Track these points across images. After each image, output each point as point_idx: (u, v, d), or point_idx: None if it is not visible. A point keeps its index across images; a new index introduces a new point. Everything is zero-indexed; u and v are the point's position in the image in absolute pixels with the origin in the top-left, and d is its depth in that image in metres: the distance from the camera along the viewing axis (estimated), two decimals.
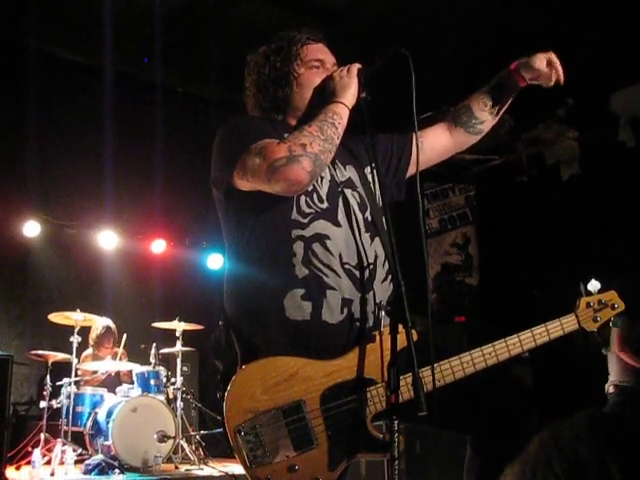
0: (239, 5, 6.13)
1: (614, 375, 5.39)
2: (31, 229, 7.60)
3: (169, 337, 7.26)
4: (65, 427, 6.35)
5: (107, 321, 7.31)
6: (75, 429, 6.51)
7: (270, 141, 2.15)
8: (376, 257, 2.27)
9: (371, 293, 2.20)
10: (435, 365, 2.12)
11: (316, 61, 2.40)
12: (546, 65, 2.37)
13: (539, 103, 7.53)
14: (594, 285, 2.39)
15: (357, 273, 2.21)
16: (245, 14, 6.18)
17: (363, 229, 2.28)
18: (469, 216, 9.11)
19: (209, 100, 7.79)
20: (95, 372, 6.97)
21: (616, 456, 1.04)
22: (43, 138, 7.41)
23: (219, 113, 7.75)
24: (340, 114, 2.22)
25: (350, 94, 2.25)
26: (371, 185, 2.43)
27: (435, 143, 2.53)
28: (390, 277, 2.26)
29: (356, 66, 2.29)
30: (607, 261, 6.75)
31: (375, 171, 2.43)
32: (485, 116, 2.54)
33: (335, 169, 2.36)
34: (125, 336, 7.12)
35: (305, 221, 2.22)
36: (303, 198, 2.24)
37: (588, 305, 2.32)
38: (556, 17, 6.13)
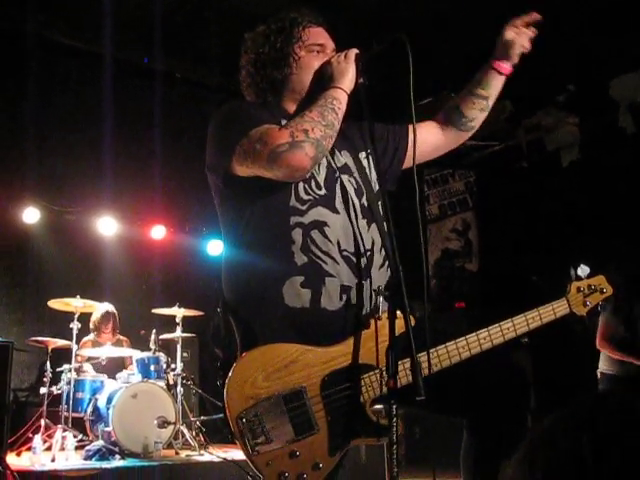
0: None
1: (601, 362, 5.43)
2: (30, 215, 7.60)
3: (169, 323, 7.27)
4: (65, 413, 6.37)
5: (108, 306, 7.33)
6: (75, 415, 6.53)
7: (271, 127, 2.15)
8: (373, 243, 2.27)
9: (369, 280, 2.21)
10: (432, 350, 2.14)
11: (317, 45, 2.39)
12: (514, 29, 2.41)
13: (539, 89, 7.54)
14: (584, 270, 2.43)
15: (355, 260, 2.21)
16: (245, 0, 6.15)
17: (360, 215, 2.28)
18: (469, 202, 9.10)
19: (209, 86, 7.76)
20: (95, 358, 6.97)
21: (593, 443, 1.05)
22: (42, 124, 7.40)
23: (219, 99, 7.73)
24: (339, 99, 2.21)
25: (348, 79, 2.24)
26: (366, 170, 2.42)
27: (428, 137, 2.51)
28: (387, 263, 2.27)
29: (354, 51, 2.28)
30: (605, 248, 6.75)
31: (371, 156, 2.43)
32: (474, 113, 2.52)
33: (332, 155, 2.35)
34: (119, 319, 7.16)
35: (303, 208, 2.21)
36: (301, 185, 2.23)
37: (578, 289, 2.36)
38: (554, 4, 6.10)
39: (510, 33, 2.39)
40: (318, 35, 2.41)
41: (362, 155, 2.46)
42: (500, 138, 8.58)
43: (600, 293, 2.36)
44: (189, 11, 6.44)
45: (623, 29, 6.41)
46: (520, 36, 2.39)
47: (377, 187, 2.39)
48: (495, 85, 2.48)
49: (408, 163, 2.50)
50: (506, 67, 2.45)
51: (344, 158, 2.39)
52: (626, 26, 6.37)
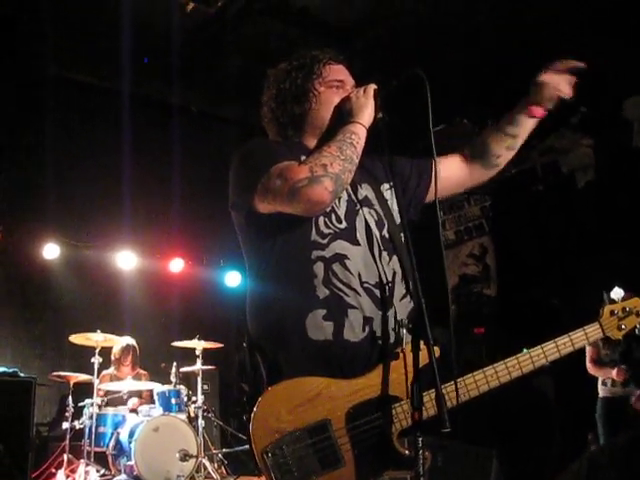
0: (250, 24, 6.18)
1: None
2: (51, 251, 7.68)
3: (189, 356, 7.28)
4: (88, 447, 6.38)
5: (128, 339, 7.36)
6: (98, 449, 6.53)
7: (291, 163, 2.17)
8: (394, 274, 2.29)
9: (391, 310, 2.22)
10: (459, 380, 2.13)
11: (337, 81, 2.43)
12: (554, 72, 2.39)
13: (552, 112, 7.55)
14: (617, 293, 2.41)
15: (377, 291, 2.22)
16: (259, 33, 6.23)
17: (381, 247, 2.30)
18: (485, 227, 9.08)
19: (226, 119, 7.84)
20: (116, 392, 6.99)
21: None
22: (61, 160, 7.49)
23: (236, 131, 7.82)
24: (358, 134, 2.23)
25: (367, 114, 2.27)
26: (388, 202, 2.44)
27: (452, 173, 2.53)
28: (409, 294, 2.28)
29: (372, 87, 2.30)
30: (626, 270, 6.72)
31: (393, 188, 2.44)
32: (501, 150, 2.54)
33: (352, 188, 2.37)
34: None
35: (324, 242, 2.23)
36: (322, 219, 2.25)
37: (612, 313, 2.29)
38: (569, 25, 6.14)
39: (546, 76, 2.39)
40: (338, 72, 2.45)
41: (384, 187, 2.48)
42: (514, 162, 8.56)
43: (636, 316, 2.29)
44: (206, 45, 6.52)
45: (635, 49, 6.43)
46: (559, 80, 2.39)
47: (399, 219, 2.40)
48: (525, 126, 2.50)
49: (430, 197, 2.53)
50: (538, 111, 2.46)
51: (365, 191, 2.41)
52: (638, 46, 6.39)
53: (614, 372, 5.28)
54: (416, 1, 5.86)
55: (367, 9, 5.94)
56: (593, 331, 2.26)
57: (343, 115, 2.32)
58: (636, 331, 2.31)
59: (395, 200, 2.43)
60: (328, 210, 2.26)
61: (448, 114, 7.20)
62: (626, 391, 5.20)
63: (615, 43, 6.35)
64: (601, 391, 5.29)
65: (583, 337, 2.24)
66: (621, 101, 7.44)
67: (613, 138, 7.65)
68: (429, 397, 2.01)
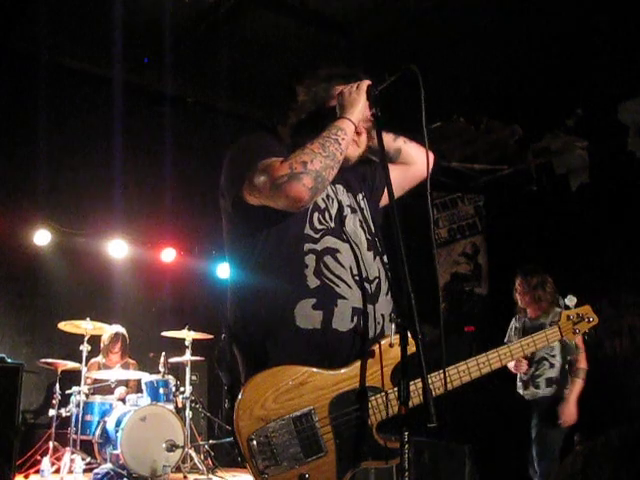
0: (249, 16, 6.15)
1: None
2: (41, 237, 7.66)
3: (178, 346, 7.28)
4: (74, 436, 6.39)
5: (118, 327, 7.37)
6: (84, 438, 6.54)
7: (275, 159, 2.20)
8: (379, 272, 2.35)
9: (377, 304, 2.28)
10: (435, 373, 2.21)
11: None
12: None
13: (548, 113, 7.56)
14: (571, 299, 2.67)
15: (366, 285, 2.27)
16: (254, 25, 6.20)
17: (366, 247, 2.36)
18: (478, 226, 9.10)
19: (219, 109, 7.81)
20: (104, 381, 6.98)
21: None
22: (53, 147, 7.46)
23: (229, 122, 7.79)
24: (344, 129, 2.24)
25: (357, 110, 2.27)
26: (364, 211, 2.50)
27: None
28: (390, 293, 2.35)
29: (365, 83, 2.31)
30: (613, 272, 6.75)
31: (367, 198, 2.55)
32: (392, 145, 2.61)
33: (342, 193, 2.44)
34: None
35: (317, 236, 2.28)
36: (316, 215, 2.30)
37: (568, 318, 2.58)
38: (564, 28, 6.15)
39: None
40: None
41: (359, 197, 2.54)
42: (509, 162, 8.59)
43: (587, 322, 2.58)
44: (203, 36, 6.50)
45: (631, 53, 6.45)
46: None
47: (374, 227, 2.48)
48: None
49: (384, 201, 2.63)
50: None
51: (349, 197, 2.47)
52: (634, 50, 6.41)
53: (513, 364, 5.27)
54: None
55: (366, 2, 5.93)
56: (552, 334, 2.54)
57: (335, 111, 2.34)
58: (585, 336, 2.61)
59: (368, 209, 2.52)
60: (322, 207, 2.32)
61: (444, 111, 7.20)
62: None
63: (611, 46, 6.36)
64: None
65: (544, 338, 2.51)
66: (616, 105, 7.46)
67: (607, 141, 7.67)
68: (414, 386, 2.06)
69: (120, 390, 7.02)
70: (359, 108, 2.28)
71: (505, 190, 8.72)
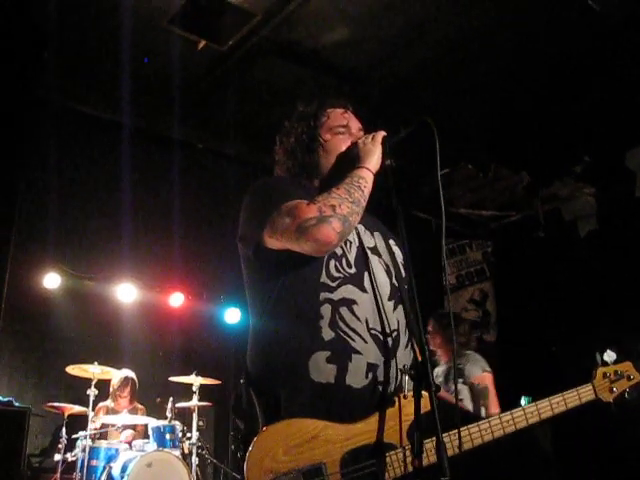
0: (260, 63, 6.25)
1: None
2: (51, 281, 7.68)
3: (186, 391, 7.23)
4: None
5: (128, 372, 7.35)
6: None
7: (300, 201, 2.20)
8: (399, 324, 2.30)
9: (395, 359, 2.22)
10: (453, 432, 2.15)
11: (342, 127, 2.49)
12: None
13: (556, 160, 7.62)
14: (610, 355, 2.45)
15: (382, 338, 2.22)
16: (266, 73, 6.30)
17: (388, 296, 2.31)
18: (486, 272, 9.10)
19: (228, 156, 7.88)
20: (111, 425, 6.94)
21: None
22: (63, 190, 7.52)
23: (238, 169, 7.86)
24: (365, 178, 2.27)
25: (374, 160, 2.30)
26: (395, 255, 2.47)
27: None
28: (411, 344, 2.28)
29: (381, 134, 2.35)
30: (622, 319, 6.72)
31: (397, 244, 2.51)
32: None
33: (363, 235, 2.40)
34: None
35: (334, 285, 2.24)
36: (332, 262, 2.27)
37: (605, 375, 2.39)
38: (572, 76, 6.22)
39: None
40: (342, 117, 2.50)
41: (392, 242, 2.52)
42: (517, 208, 8.63)
43: (627, 380, 2.39)
44: (215, 83, 6.60)
45: (638, 101, 6.52)
46: None
47: (404, 272, 2.43)
48: None
49: None
50: None
51: (376, 239, 2.45)
52: None
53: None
54: (424, 47, 5.94)
55: (377, 54, 6.02)
56: (585, 392, 2.35)
57: (351, 160, 2.36)
58: (626, 395, 2.39)
59: (401, 254, 2.47)
60: (339, 254, 2.29)
61: (452, 158, 7.26)
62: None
63: (619, 94, 6.43)
64: None
65: (576, 397, 2.33)
66: (624, 152, 7.51)
67: (615, 188, 7.70)
68: (427, 446, 2.01)
69: (127, 433, 6.96)
70: (375, 158, 2.31)
71: (513, 236, 8.74)
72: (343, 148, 2.44)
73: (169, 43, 6.00)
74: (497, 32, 5.77)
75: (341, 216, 2.14)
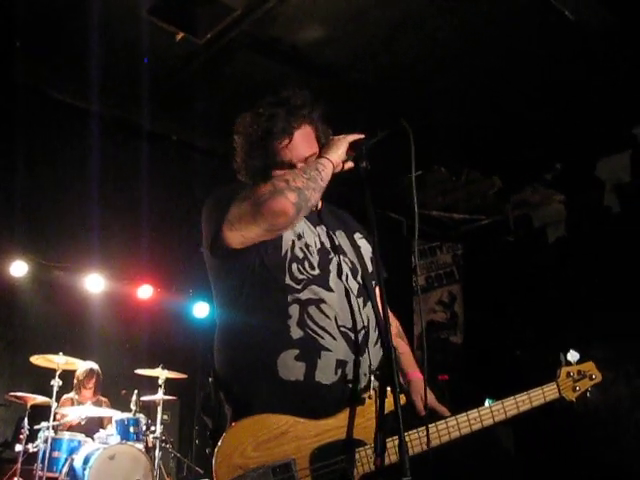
0: (238, 58, 6.23)
1: None
2: (18, 269, 7.59)
3: (151, 384, 7.19)
4: (40, 472, 6.25)
5: (92, 364, 7.28)
6: (50, 475, 6.40)
7: (253, 187, 2.22)
8: (369, 321, 2.31)
9: (365, 355, 2.23)
10: (421, 429, 2.18)
11: (289, 164, 2.37)
12: None
13: (528, 167, 7.70)
14: (573, 355, 2.49)
15: (352, 335, 2.23)
16: (243, 67, 6.27)
17: (355, 293, 2.32)
18: (456, 274, 9.16)
19: (201, 149, 7.83)
20: (74, 417, 6.88)
21: None
22: (32, 178, 7.42)
23: (208, 162, 7.81)
24: (324, 164, 2.26)
25: (337, 154, 2.30)
26: (361, 250, 2.48)
27: None
28: (380, 341, 2.28)
29: (354, 135, 2.34)
30: (589, 326, 6.82)
31: (366, 239, 2.52)
32: None
33: (324, 237, 2.41)
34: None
35: (299, 287, 2.25)
36: (295, 265, 2.27)
37: (568, 375, 2.44)
38: (546, 84, 6.29)
39: None
40: (289, 151, 2.36)
41: (357, 235, 2.53)
42: (488, 212, 8.70)
43: (589, 379, 2.44)
44: (186, 75, 6.55)
45: (611, 111, 6.61)
46: None
47: (371, 267, 2.44)
48: None
49: None
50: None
51: (339, 239, 2.45)
52: (613, 108, 6.57)
53: None
54: (403, 47, 5.96)
55: (356, 52, 6.03)
56: (550, 391, 2.40)
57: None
58: (588, 394, 2.44)
59: (368, 246, 2.49)
60: (301, 257, 2.29)
61: (425, 160, 7.30)
62: None
63: (591, 104, 6.51)
64: None
65: (541, 396, 2.38)
66: (595, 161, 7.61)
67: (585, 196, 7.80)
68: (393, 443, 2.02)
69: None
70: (339, 152, 2.30)
71: (483, 240, 8.81)
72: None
73: (146, 33, 5.94)
74: (474, 37, 5.80)
75: (295, 188, 2.13)
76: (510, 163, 7.60)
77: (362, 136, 2.35)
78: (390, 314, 2.45)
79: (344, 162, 2.34)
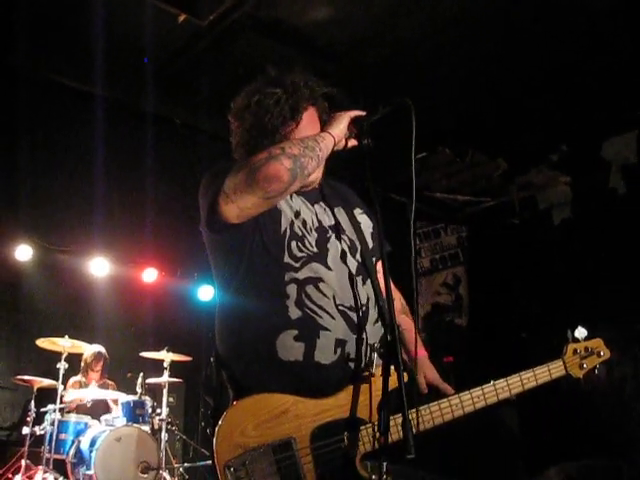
0: (241, 40, 6.19)
1: None
2: (23, 253, 7.60)
3: (157, 367, 7.22)
4: (47, 454, 6.30)
5: (99, 347, 7.32)
6: (57, 457, 6.45)
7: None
8: (368, 299, 2.29)
9: (364, 334, 2.22)
10: (424, 407, 2.16)
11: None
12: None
13: (533, 148, 7.65)
14: (581, 332, 2.44)
15: (351, 314, 2.22)
16: (247, 49, 6.23)
17: (354, 272, 2.31)
18: (460, 256, 9.14)
19: (205, 132, 7.81)
20: (81, 400, 6.91)
21: None
22: (36, 162, 7.40)
23: (214, 145, 7.79)
24: (323, 136, 2.25)
25: (338, 128, 2.29)
26: (361, 226, 2.46)
27: None
28: (381, 319, 2.28)
29: (356, 112, 2.33)
30: (594, 307, 6.81)
31: (367, 215, 2.50)
32: None
33: (321, 216, 2.39)
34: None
35: (297, 265, 2.24)
36: (294, 243, 2.26)
37: (575, 352, 2.39)
38: (551, 65, 6.24)
39: None
40: (301, 129, 2.35)
41: (357, 211, 2.51)
42: (493, 194, 8.67)
43: (597, 356, 2.39)
44: (189, 57, 6.52)
45: (616, 92, 6.56)
46: None
47: (371, 243, 2.43)
48: None
49: None
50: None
51: (337, 216, 2.43)
52: (619, 89, 6.51)
53: None
54: (408, 28, 5.91)
55: (360, 33, 5.99)
56: (556, 368, 2.36)
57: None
58: (596, 371, 2.38)
59: (369, 221, 2.48)
60: (300, 235, 2.27)
61: (430, 142, 7.26)
62: None
63: (597, 85, 6.47)
64: None
65: (546, 373, 2.33)
66: (600, 142, 7.57)
67: (591, 177, 7.77)
68: (394, 422, 2.03)
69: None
70: (340, 127, 2.30)
71: (488, 222, 8.78)
72: None
73: (149, 15, 5.90)
74: (481, 18, 5.75)
75: (291, 154, 2.10)
76: (515, 145, 7.56)
77: (363, 113, 2.33)
78: (394, 288, 2.47)
79: (347, 139, 2.33)
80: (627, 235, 6.94)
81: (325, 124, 2.35)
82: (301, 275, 2.22)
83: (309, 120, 2.37)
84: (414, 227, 2.23)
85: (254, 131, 2.36)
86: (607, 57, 6.12)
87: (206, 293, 8.74)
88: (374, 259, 2.42)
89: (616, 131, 7.42)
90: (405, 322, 2.61)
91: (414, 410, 2.10)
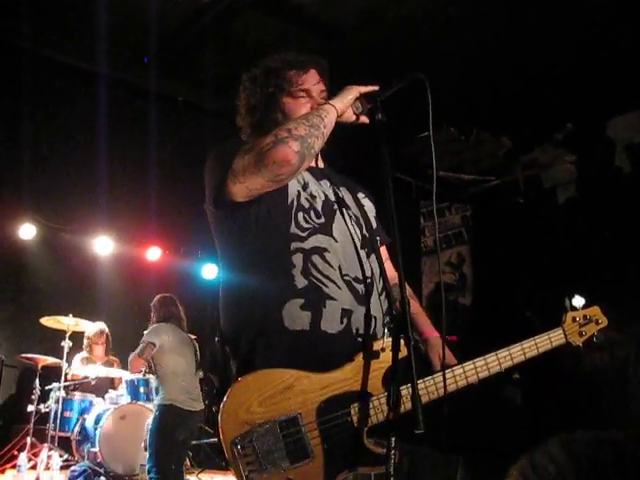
0: (243, 17, 6.15)
1: None
2: (27, 232, 7.60)
3: None
4: (52, 432, 6.33)
5: (101, 324, 7.34)
6: (62, 434, 6.49)
7: (256, 139, 2.21)
8: (372, 271, 2.30)
9: (369, 306, 2.23)
10: (429, 378, 2.17)
11: (302, 91, 2.44)
12: None
13: (538, 127, 7.61)
14: (579, 301, 2.47)
15: (357, 285, 2.23)
16: (248, 27, 6.20)
17: (359, 244, 2.32)
18: (464, 236, 9.13)
19: (207, 110, 7.78)
20: (85, 377, 6.94)
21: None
22: (40, 141, 7.40)
23: (216, 123, 7.76)
24: (327, 110, 2.25)
25: (342, 102, 2.28)
26: (365, 208, 2.49)
27: None
28: (385, 292, 2.29)
29: (367, 87, 2.31)
30: (598, 286, 6.80)
31: (370, 197, 2.55)
32: None
33: (327, 190, 2.41)
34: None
35: (304, 235, 2.25)
36: (301, 214, 2.27)
37: (574, 320, 2.40)
38: (556, 44, 6.20)
39: None
40: (304, 80, 2.45)
41: (360, 195, 2.55)
42: (497, 173, 8.64)
43: (595, 324, 2.40)
44: (191, 35, 6.48)
45: (622, 71, 6.51)
46: None
47: (375, 224, 2.48)
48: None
49: None
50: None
51: (343, 193, 2.46)
52: (625, 68, 6.47)
53: None
54: (411, 5, 5.86)
55: (363, 10, 5.94)
56: (556, 336, 2.36)
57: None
58: (594, 339, 2.40)
59: (372, 206, 2.53)
60: (307, 206, 2.29)
61: (435, 120, 7.22)
62: None
63: (603, 64, 6.42)
64: None
65: (547, 342, 2.34)
66: (606, 121, 7.53)
67: (596, 156, 7.73)
68: (406, 391, 2.00)
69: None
70: (345, 101, 2.29)
71: (492, 201, 8.76)
72: (302, 112, 2.38)
73: None
74: None
75: (298, 136, 2.11)
76: (520, 123, 7.52)
77: (376, 88, 2.31)
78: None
79: (358, 115, 2.33)
80: (632, 214, 6.92)
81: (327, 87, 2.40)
82: (307, 245, 2.23)
83: (315, 76, 2.45)
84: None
85: (250, 108, 2.46)
86: (614, 36, 6.08)
87: (210, 271, 8.75)
88: (379, 240, 2.45)
89: (621, 110, 7.38)
90: (413, 306, 2.61)
91: (421, 381, 2.10)
